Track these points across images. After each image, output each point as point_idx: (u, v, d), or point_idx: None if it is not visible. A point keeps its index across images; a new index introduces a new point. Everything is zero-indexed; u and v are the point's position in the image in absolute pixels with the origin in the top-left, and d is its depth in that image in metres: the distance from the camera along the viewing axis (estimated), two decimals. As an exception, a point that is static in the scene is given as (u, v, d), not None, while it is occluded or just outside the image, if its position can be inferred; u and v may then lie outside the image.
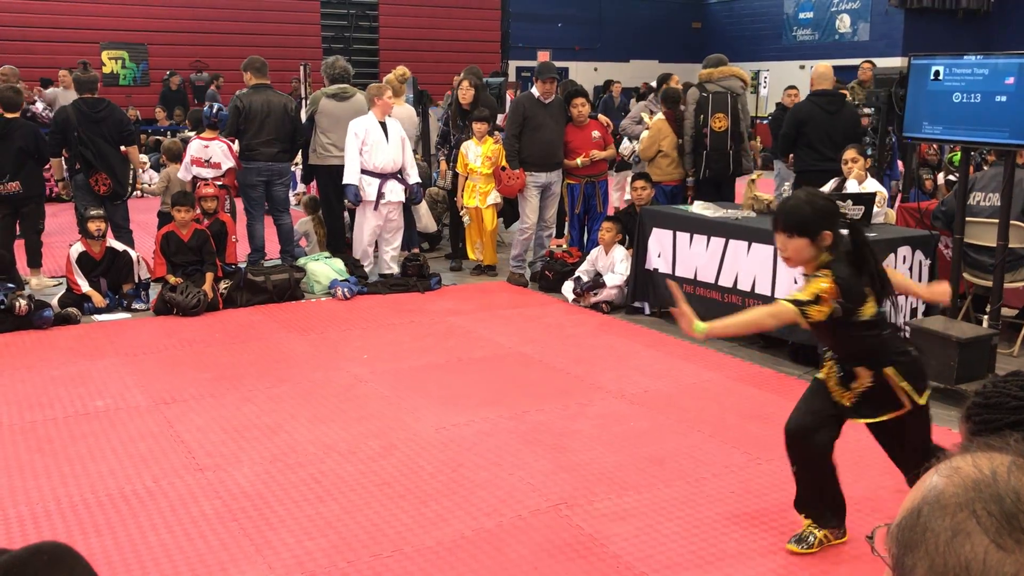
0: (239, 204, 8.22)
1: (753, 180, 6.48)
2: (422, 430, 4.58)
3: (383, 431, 4.57)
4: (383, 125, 7.57)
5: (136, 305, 6.96)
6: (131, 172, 7.80)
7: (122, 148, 7.70)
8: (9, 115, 7.42)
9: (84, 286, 6.86)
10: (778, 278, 5.66)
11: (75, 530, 3.53)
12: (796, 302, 3.03)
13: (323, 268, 7.61)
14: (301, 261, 7.85)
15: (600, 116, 8.17)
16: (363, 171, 7.52)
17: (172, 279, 6.93)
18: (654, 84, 9.36)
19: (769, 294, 5.70)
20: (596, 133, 7.86)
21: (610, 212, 8.04)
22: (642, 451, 4.35)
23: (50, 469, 4.10)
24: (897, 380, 3.16)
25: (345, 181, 7.53)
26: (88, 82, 7.61)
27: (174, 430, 4.57)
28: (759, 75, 23.09)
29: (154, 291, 7.09)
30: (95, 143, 7.40)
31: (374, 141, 7.51)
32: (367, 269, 7.86)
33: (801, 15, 23.37)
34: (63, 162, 7.66)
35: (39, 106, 8.76)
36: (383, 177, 7.58)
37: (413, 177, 7.73)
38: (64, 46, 16.63)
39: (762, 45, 23.94)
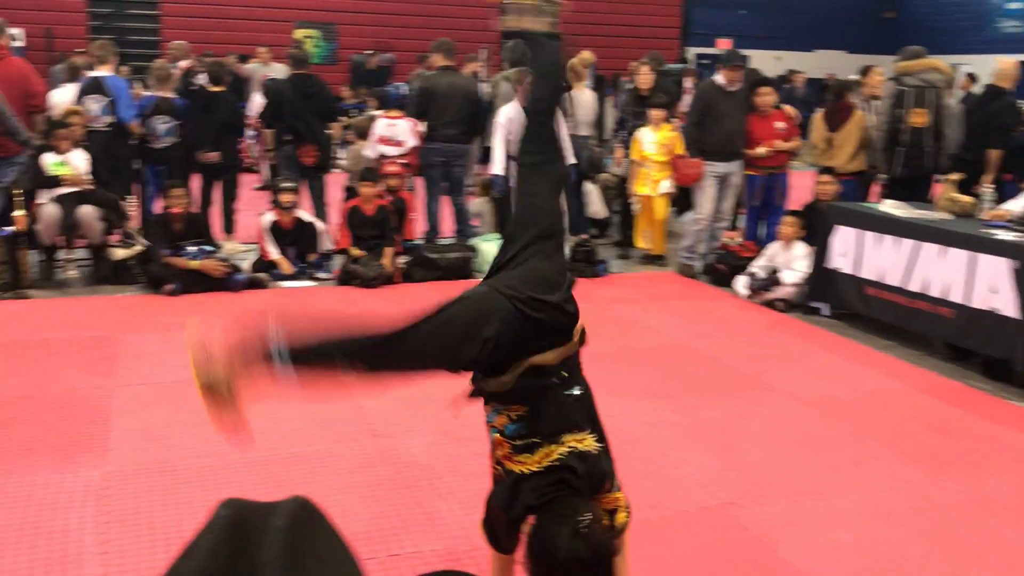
0: (418, 183, 8.48)
1: (953, 180, 6.10)
2: (614, 421, 4.56)
3: (550, 414, 4.59)
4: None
5: (320, 274, 7.30)
6: (333, 146, 8.18)
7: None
8: (214, 88, 7.91)
9: (274, 253, 7.25)
10: (975, 286, 5.32)
11: (260, 486, 3.74)
12: None
13: (494, 249, 7.70)
14: (473, 241, 8.00)
15: (785, 107, 7.89)
16: (510, 158, 7.55)
17: (355, 251, 7.22)
18: (855, 75, 8.90)
19: (962, 302, 5.37)
20: (780, 124, 7.61)
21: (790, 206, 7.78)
22: (815, 457, 4.20)
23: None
24: None
25: (492, 171, 7.55)
26: (302, 59, 8.03)
27: (354, 395, 4.76)
28: (959, 68, 21.72)
29: (337, 262, 7.42)
30: (305, 116, 7.79)
31: (517, 130, 7.53)
32: (537, 252, 7.91)
33: (1009, 5, 21.78)
34: (273, 133, 8.11)
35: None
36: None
37: (572, 159, 7.57)
38: (262, 24, 17.55)
39: (963, 37, 22.46)
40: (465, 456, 4.06)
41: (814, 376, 5.33)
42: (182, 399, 4.64)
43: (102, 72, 7.76)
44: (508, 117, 7.38)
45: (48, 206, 6.64)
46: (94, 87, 7.69)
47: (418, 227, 8.14)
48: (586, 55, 9.16)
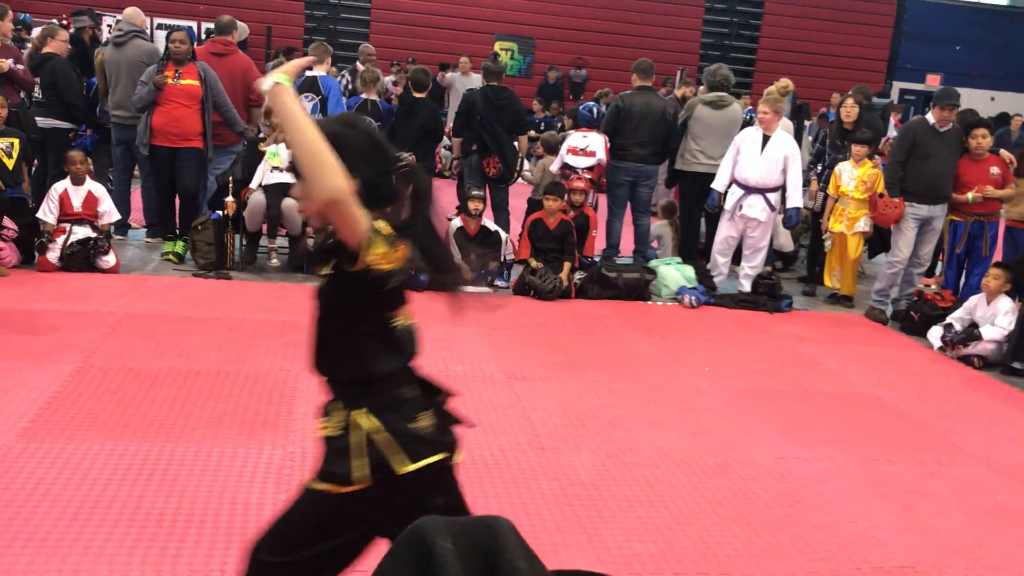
0: (601, 200, 8.49)
1: None
2: (760, 456, 4.43)
3: (719, 448, 4.48)
4: (766, 139, 7.39)
5: (498, 282, 7.42)
6: (519, 159, 8.31)
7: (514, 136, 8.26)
8: (417, 95, 8.20)
9: (456, 258, 7.42)
10: None
11: (429, 482, 3.82)
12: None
13: (673, 273, 7.62)
14: (653, 263, 7.92)
15: (1002, 152, 7.38)
16: (732, 181, 7.44)
17: (534, 263, 7.30)
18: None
19: None
20: (995, 169, 7.12)
21: (997, 258, 7.26)
22: (1009, 531, 3.88)
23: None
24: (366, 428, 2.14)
25: (713, 185, 7.51)
26: (496, 71, 8.22)
27: (522, 406, 4.81)
28: None
29: (515, 271, 7.53)
30: (493, 128, 7.97)
31: (748, 152, 7.39)
32: (716, 280, 7.76)
33: None
34: (461, 143, 8.36)
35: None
36: (747, 190, 7.42)
37: (793, 200, 7.41)
38: (463, 35, 18.11)
39: None
40: (631, 481, 4.01)
41: (1013, 442, 4.94)
42: (361, 390, 4.82)
43: (317, 71, 8.19)
44: (744, 138, 7.45)
45: (256, 195, 7.06)
46: (309, 85, 8.14)
47: (598, 244, 8.15)
48: (784, 82, 8.90)
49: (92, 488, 3.49)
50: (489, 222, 7.69)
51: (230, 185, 7.13)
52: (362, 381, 2.15)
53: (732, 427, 4.79)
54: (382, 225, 2.03)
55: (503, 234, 7.69)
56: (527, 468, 4.05)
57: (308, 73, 8.24)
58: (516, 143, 8.25)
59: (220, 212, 7.08)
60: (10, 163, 6.49)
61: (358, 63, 10.62)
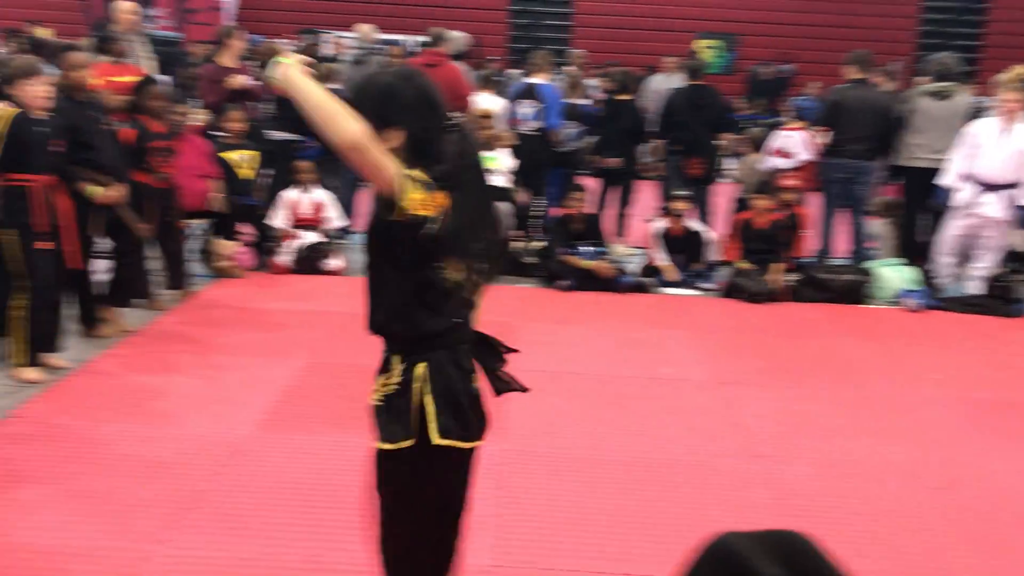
0: (814, 198, 8.15)
1: None
2: (1001, 477, 4.10)
3: (949, 462, 4.19)
4: (1007, 130, 6.84)
5: (704, 284, 7.29)
6: (721, 158, 8.15)
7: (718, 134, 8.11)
8: (621, 97, 8.21)
9: (661, 259, 7.37)
10: None
11: (641, 487, 3.81)
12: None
13: (893, 275, 7.21)
14: (869, 264, 7.52)
15: None
16: (964, 176, 6.93)
17: (742, 264, 7.12)
18: None
19: None
20: None
21: None
22: None
23: (622, 423, 4.48)
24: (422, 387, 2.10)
25: (941, 181, 7.02)
26: (697, 69, 8.10)
27: (732, 411, 4.71)
28: None
29: (722, 273, 7.37)
30: (694, 128, 7.87)
31: (985, 145, 6.86)
32: (942, 283, 7.26)
33: None
34: (664, 143, 8.29)
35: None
36: (983, 187, 6.90)
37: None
38: (666, 35, 17.92)
39: None
40: (852, 494, 3.83)
41: None
42: (572, 390, 4.88)
43: (537, 80, 8.33)
44: (980, 130, 6.95)
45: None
46: (527, 93, 8.31)
47: (810, 245, 7.83)
48: (1019, 70, 8.20)
49: (325, 477, 3.72)
50: (694, 223, 7.58)
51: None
52: (414, 339, 2.15)
53: (965, 441, 4.47)
54: (418, 173, 2.02)
55: (709, 235, 7.55)
56: (739, 476, 3.96)
57: (526, 80, 8.41)
58: (720, 141, 8.10)
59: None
60: (248, 174, 7.04)
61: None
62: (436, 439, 2.10)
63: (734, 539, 1.29)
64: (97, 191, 4.98)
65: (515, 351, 2.35)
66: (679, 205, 7.35)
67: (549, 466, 3.94)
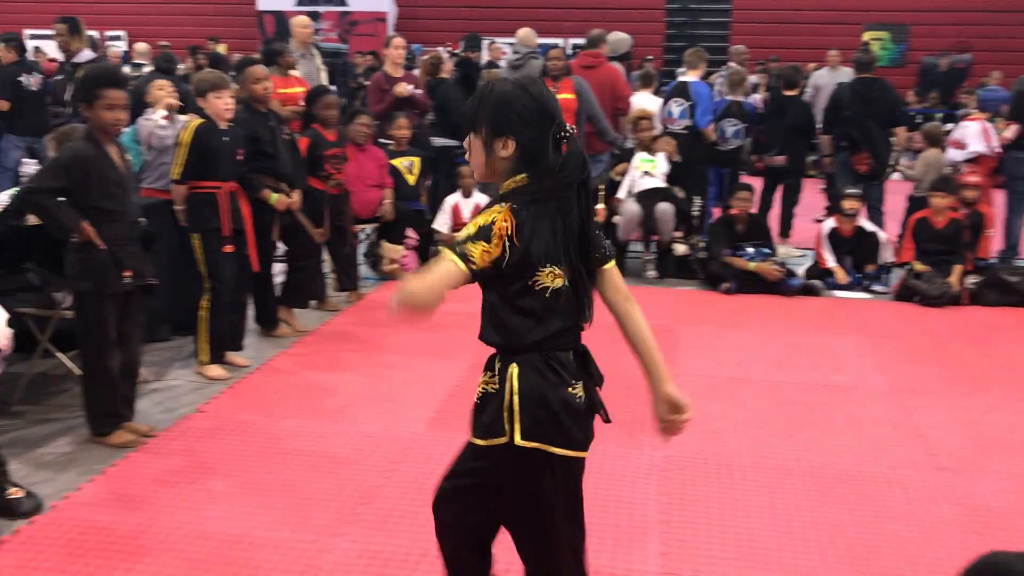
0: (997, 195, 7.65)
1: None
2: None
3: None
4: None
5: (876, 287, 6.96)
6: (894, 154, 7.76)
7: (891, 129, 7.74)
8: (787, 93, 7.95)
9: (830, 261, 7.09)
10: None
11: (811, 497, 3.66)
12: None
13: (1090, 277, 6.67)
14: (1063, 266, 7.00)
15: None
16: None
17: (918, 266, 6.76)
18: None
19: None
20: None
21: None
22: None
23: (791, 431, 4.33)
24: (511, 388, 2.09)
25: None
26: (866, 62, 7.76)
27: (913, 421, 4.46)
28: None
29: (896, 275, 7.02)
30: (863, 123, 7.54)
31: None
32: None
33: None
34: (831, 139, 7.99)
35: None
36: None
37: None
38: (830, 27, 17.27)
39: None
40: (1050, 512, 3.55)
41: None
42: (737, 396, 4.76)
43: (689, 77, 8.23)
44: None
45: (630, 204, 7.22)
46: (679, 91, 8.20)
47: (994, 245, 7.35)
48: None
49: (491, 477, 3.76)
50: (866, 222, 7.25)
51: (600, 192, 7.38)
52: (513, 349, 2.16)
53: None
54: (462, 233, 2.06)
55: (881, 235, 7.21)
56: (923, 489, 3.74)
57: (680, 79, 8.31)
58: (891, 137, 7.71)
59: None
60: (411, 179, 7.23)
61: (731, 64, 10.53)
62: (518, 440, 2.10)
63: (1004, 558, 1.26)
64: (275, 197, 5.23)
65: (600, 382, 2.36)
66: (849, 204, 7.05)
67: (716, 473, 3.84)
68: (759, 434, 4.28)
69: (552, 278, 2.11)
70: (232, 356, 5.07)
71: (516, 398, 2.11)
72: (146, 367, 4.62)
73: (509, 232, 2.03)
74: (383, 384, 4.79)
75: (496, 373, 2.18)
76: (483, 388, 2.21)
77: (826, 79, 11.46)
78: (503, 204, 2.06)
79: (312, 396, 4.63)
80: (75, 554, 3.09)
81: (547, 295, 2.12)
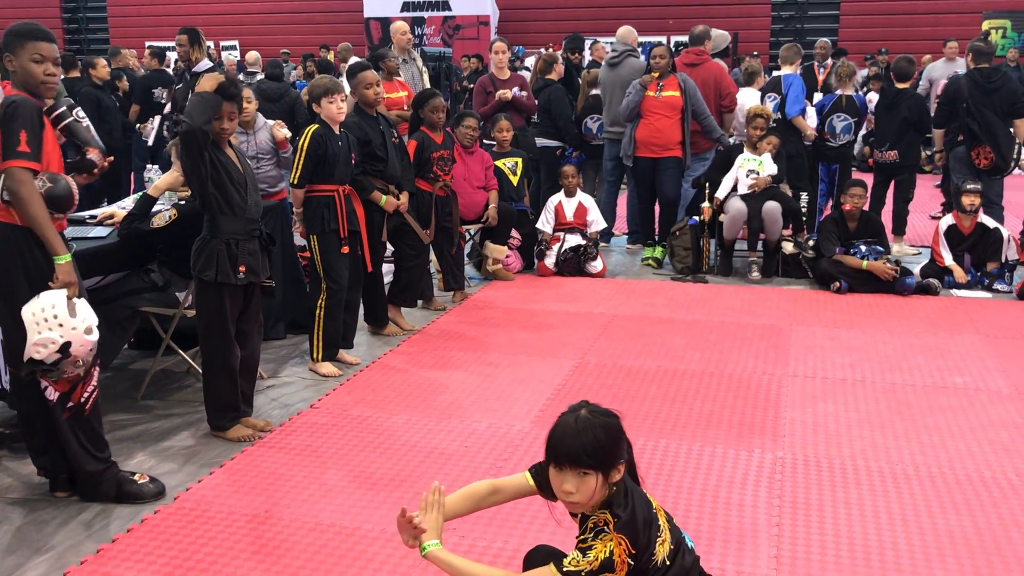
0: None
1: None
2: None
3: None
4: None
5: (998, 285, 6.67)
6: (1016, 147, 7.42)
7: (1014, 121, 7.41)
8: (900, 85, 7.70)
9: (947, 259, 6.83)
10: None
11: (929, 501, 3.54)
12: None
13: None
14: None
15: None
16: None
17: (1045, 264, 6.45)
18: None
19: None
20: None
21: None
22: None
23: (909, 434, 4.19)
24: None
25: None
26: (986, 52, 7.46)
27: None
28: None
29: (1019, 274, 6.72)
30: (983, 115, 7.25)
31: None
32: None
33: None
34: (944, 134, 7.72)
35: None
36: None
37: None
38: (944, 17, 16.63)
39: None
40: None
41: None
42: (851, 397, 4.63)
43: (784, 71, 8.08)
44: None
45: (736, 202, 7.10)
46: (772, 86, 8.09)
47: None
48: None
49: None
50: (987, 219, 6.95)
51: (706, 191, 7.29)
52: None
53: None
54: (578, 565, 2.19)
55: (1004, 231, 6.90)
56: (1056, 496, 3.57)
57: (776, 73, 8.18)
58: (1012, 129, 7.38)
59: (696, 218, 7.27)
60: (515, 180, 7.28)
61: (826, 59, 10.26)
62: None
63: None
64: (385, 199, 5.34)
65: None
66: (968, 199, 6.77)
67: (829, 477, 3.75)
68: (874, 437, 4.16)
69: (662, 545, 2.24)
70: (344, 354, 5.21)
71: None
72: (261, 364, 4.79)
73: (630, 551, 2.15)
74: (490, 382, 4.84)
75: None
76: None
77: (940, 71, 11.05)
78: (607, 522, 2.18)
79: (422, 393, 4.72)
80: (199, 541, 3.23)
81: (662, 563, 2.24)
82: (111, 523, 3.39)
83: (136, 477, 3.60)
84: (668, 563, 2.22)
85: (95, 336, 3.29)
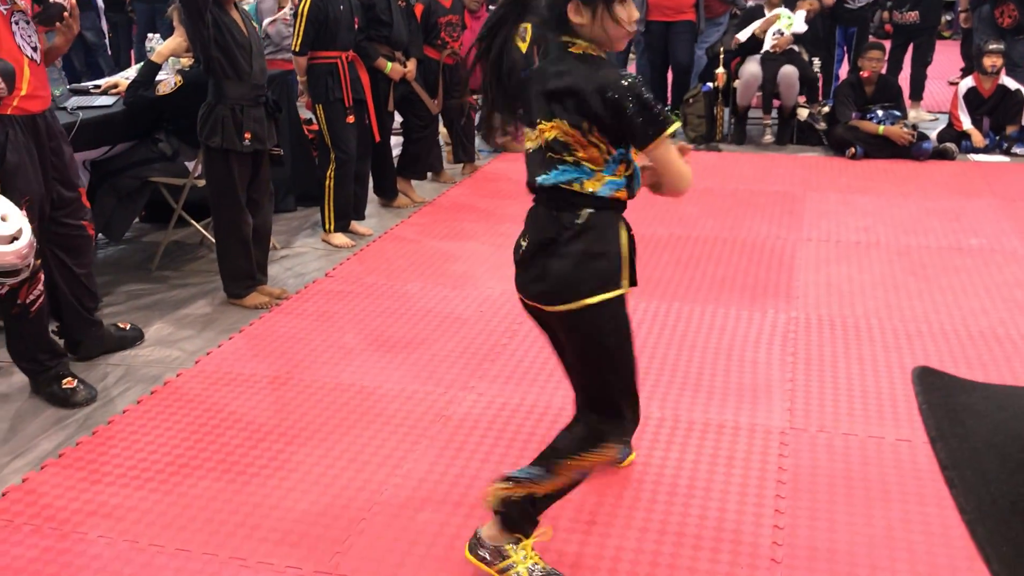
0: None
1: None
2: None
3: None
4: None
5: (1017, 149, 6.57)
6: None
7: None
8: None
9: (966, 123, 6.70)
10: None
11: (942, 357, 3.57)
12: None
13: None
14: None
15: None
16: None
17: (1065, 126, 6.33)
18: None
19: None
20: None
21: None
22: None
23: (923, 293, 4.20)
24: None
25: None
26: None
27: (1054, 284, 4.26)
28: None
29: (1039, 137, 6.61)
30: None
31: None
32: None
33: None
34: None
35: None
36: None
37: None
38: None
39: None
40: None
41: None
42: (865, 260, 4.62)
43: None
44: None
45: (750, 66, 6.93)
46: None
47: None
48: None
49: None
50: (1008, 80, 6.79)
51: (720, 57, 7.10)
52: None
53: None
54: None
55: (1025, 94, 6.75)
56: (1066, 350, 3.60)
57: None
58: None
59: (711, 84, 7.11)
60: (523, 46, 7.08)
61: None
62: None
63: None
64: (391, 66, 5.22)
65: None
66: (990, 60, 6.60)
67: (842, 334, 3.78)
68: (888, 296, 4.17)
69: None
70: (356, 225, 5.20)
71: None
72: (274, 236, 4.78)
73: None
74: (502, 252, 4.84)
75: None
76: None
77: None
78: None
79: (435, 262, 4.72)
80: (222, 402, 3.29)
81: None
82: (134, 387, 3.45)
83: (65, 382, 3.32)
84: None
85: (25, 240, 2.94)
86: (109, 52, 8.71)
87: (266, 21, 5.44)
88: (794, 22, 6.88)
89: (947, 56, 10.62)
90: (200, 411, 3.22)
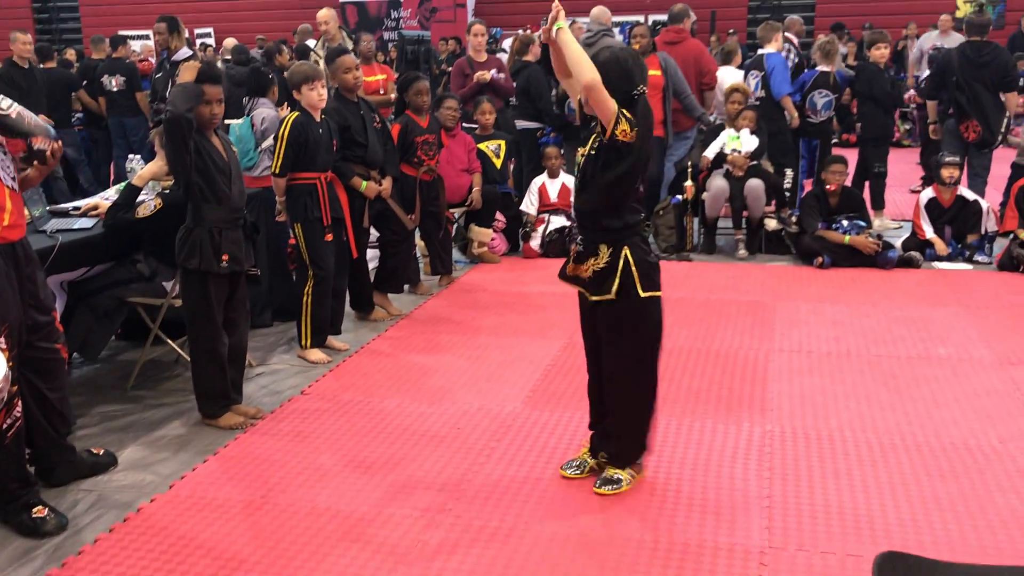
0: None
1: None
2: None
3: None
4: None
5: (979, 257, 6.75)
6: (1004, 120, 7.46)
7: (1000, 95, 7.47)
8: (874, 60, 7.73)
9: (928, 232, 6.89)
10: None
11: (917, 472, 3.60)
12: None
13: None
14: None
15: None
16: None
17: (1023, 235, 6.52)
18: None
19: None
20: None
21: None
22: None
23: (895, 405, 4.25)
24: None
25: None
26: (980, 25, 7.50)
27: (1021, 392, 4.33)
28: None
29: (999, 245, 6.79)
30: (972, 88, 7.31)
31: None
32: None
33: None
34: (936, 106, 7.80)
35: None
36: None
37: None
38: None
39: None
40: None
41: None
42: (837, 371, 4.69)
43: (766, 50, 8.11)
44: None
45: (718, 180, 7.13)
46: (755, 64, 8.12)
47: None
48: None
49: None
50: (966, 191, 7.02)
51: (688, 170, 7.31)
52: (621, 228, 3.26)
53: None
54: (628, 114, 3.11)
55: (983, 203, 6.97)
56: (1039, 462, 3.64)
57: (759, 52, 8.22)
58: (1004, 100, 7.45)
59: (680, 196, 7.30)
60: (498, 162, 7.28)
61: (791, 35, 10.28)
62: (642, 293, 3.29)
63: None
64: (365, 185, 5.32)
65: None
66: (948, 172, 6.84)
67: (817, 448, 3.80)
68: (861, 408, 4.22)
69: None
70: (332, 340, 5.22)
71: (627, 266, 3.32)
72: (250, 352, 4.79)
73: (639, 140, 3.19)
74: (480, 364, 4.87)
75: (605, 255, 3.35)
76: (598, 267, 3.38)
77: (927, 44, 11.12)
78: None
79: (411, 377, 4.73)
80: (196, 528, 3.24)
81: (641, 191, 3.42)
82: (106, 514, 3.40)
83: (35, 511, 3.28)
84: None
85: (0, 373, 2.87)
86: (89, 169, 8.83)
87: (266, 143, 5.51)
88: (742, 139, 7.12)
89: (910, 165, 10.97)
90: (173, 539, 3.17)
